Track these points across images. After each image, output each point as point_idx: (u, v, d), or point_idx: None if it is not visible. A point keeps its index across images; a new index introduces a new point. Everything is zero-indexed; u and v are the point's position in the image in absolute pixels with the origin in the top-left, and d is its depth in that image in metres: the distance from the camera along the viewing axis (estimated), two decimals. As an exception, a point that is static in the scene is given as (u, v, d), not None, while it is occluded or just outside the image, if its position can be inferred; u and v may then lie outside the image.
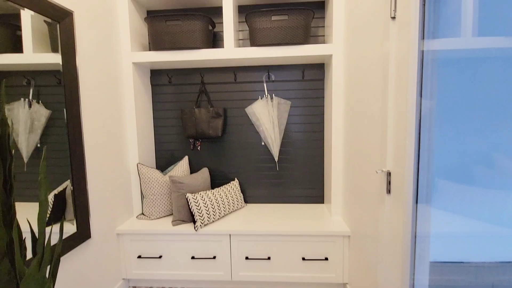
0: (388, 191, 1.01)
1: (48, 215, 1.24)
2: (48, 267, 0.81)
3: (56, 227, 1.24)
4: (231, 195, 1.86)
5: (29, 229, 0.82)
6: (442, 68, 0.88)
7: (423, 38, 0.82)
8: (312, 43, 1.77)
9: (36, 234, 0.77)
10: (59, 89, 1.28)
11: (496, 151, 0.90)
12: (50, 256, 0.79)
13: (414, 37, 0.81)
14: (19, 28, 1.13)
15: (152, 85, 2.03)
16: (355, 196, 1.46)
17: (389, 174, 1.00)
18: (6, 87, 1.11)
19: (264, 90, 1.94)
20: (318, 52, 1.65)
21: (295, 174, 2.02)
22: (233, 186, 1.93)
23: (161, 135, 2.07)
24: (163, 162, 2.08)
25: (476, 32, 0.87)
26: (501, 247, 0.96)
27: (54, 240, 0.84)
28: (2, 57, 1.07)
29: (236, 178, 2.03)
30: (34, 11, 1.15)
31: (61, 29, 1.27)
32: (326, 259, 1.59)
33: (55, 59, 1.26)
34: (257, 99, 1.95)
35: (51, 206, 1.29)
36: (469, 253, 1.12)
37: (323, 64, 1.92)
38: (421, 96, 0.84)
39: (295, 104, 1.97)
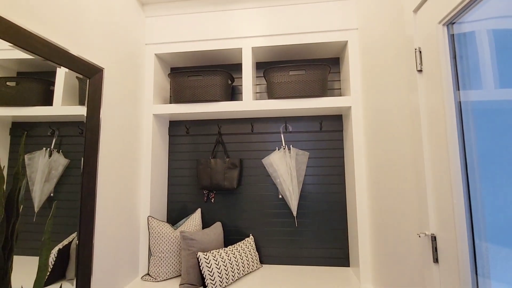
0: (435, 260, 0.86)
1: (48, 274, 1.13)
2: None
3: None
4: (246, 255, 1.69)
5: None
6: (480, 119, 0.82)
7: (458, 89, 0.78)
8: (329, 96, 1.79)
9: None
10: (80, 139, 1.29)
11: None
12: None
13: (448, 89, 0.77)
14: (52, 83, 1.20)
15: (169, 135, 2.05)
16: (389, 262, 1.27)
17: (434, 238, 0.86)
18: (30, 137, 1.13)
19: (282, 141, 1.91)
20: (337, 104, 1.66)
21: (316, 231, 1.85)
22: (248, 244, 1.77)
23: (175, 186, 2.01)
24: (175, 215, 1.98)
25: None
26: None
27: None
28: (33, 110, 1.13)
29: (251, 234, 1.87)
30: (69, 69, 1.22)
31: (90, 84, 1.33)
32: None
33: (81, 111, 1.30)
34: (273, 150, 1.91)
35: (53, 261, 1.18)
36: None
37: (341, 115, 1.91)
38: (464, 149, 0.77)
39: (313, 155, 1.91)
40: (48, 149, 1.18)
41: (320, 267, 1.79)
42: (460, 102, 0.78)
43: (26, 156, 1.10)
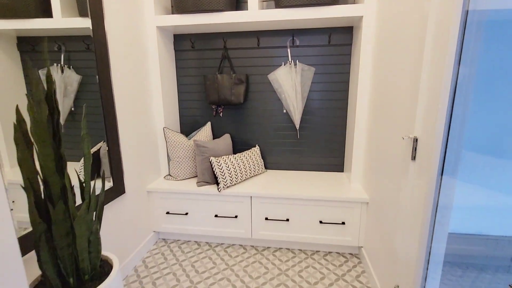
0: (413, 158, 1.00)
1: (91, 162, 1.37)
2: (94, 213, 0.91)
3: (96, 182, 1.37)
4: (252, 161, 1.93)
5: (74, 180, 0.92)
6: (487, 31, 0.81)
7: (470, -6, 0.74)
8: (341, 4, 1.66)
9: (83, 184, 0.87)
10: (88, 54, 1.32)
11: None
12: (95, 203, 0.90)
13: (459, -8, 0.74)
14: (47, -9, 1.16)
15: (175, 50, 2.03)
16: (377, 163, 1.46)
17: (416, 140, 0.99)
18: (39, 52, 1.17)
19: (288, 56, 1.89)
20: (348, 13, 1.56)
21: (316, 142, 2.03)
22: (254, 152, 1.99)
23: (185, 101, 2.12)
24: (187, 128, 2.16)
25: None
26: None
27: (96, 192, 0.94)
28: (33, 22, 1.12)
29: (257, 145, 2.08)
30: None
31: (87, -9, 1.28)
32: (343, 223, 1.65)
33: (84, 23, 1.29)
34: (280, 65, 1.91)
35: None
36: (492, 225, 1.12)
37: (352, 28, 1.81)
38: (459, 61, 0.79)
39: (320, 70, 1.91)
40: (59, 65, 1.23)
41: (317, 172, 2.05)
42: (467, 11, 0.76)
43: (40, 72, 1.16)
